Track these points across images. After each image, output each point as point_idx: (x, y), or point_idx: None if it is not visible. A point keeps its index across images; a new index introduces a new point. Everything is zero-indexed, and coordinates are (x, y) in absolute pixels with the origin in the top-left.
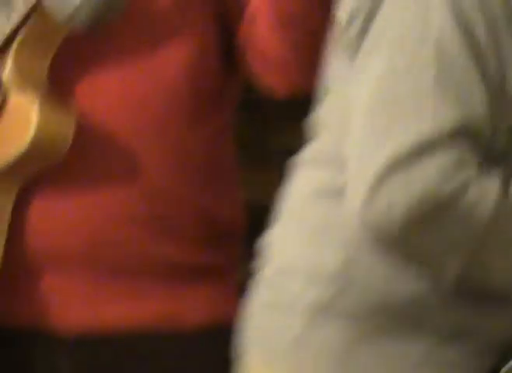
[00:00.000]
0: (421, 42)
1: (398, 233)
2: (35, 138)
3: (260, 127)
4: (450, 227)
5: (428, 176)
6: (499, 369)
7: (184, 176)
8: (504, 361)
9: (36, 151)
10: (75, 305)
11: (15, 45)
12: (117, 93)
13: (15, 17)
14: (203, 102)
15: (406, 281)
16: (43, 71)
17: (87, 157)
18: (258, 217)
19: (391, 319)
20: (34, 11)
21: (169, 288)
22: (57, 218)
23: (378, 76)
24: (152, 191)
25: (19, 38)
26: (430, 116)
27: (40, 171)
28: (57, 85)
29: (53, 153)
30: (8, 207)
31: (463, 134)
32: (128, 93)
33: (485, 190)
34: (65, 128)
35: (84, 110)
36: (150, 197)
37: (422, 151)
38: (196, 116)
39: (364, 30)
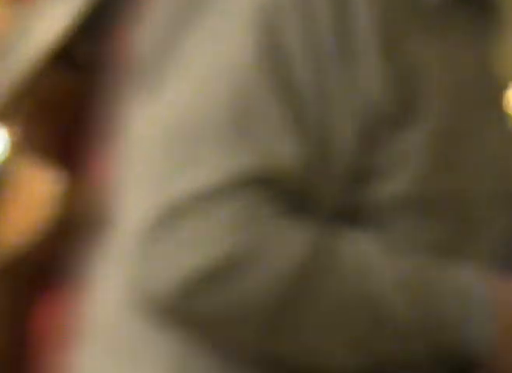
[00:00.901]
0: (219, 80)
1: (173, 299)
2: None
3: None
4: (238, 291)
5: (210, 229)
6: None
7: None
8: None
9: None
10: None
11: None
12: None
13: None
14: None
15: None
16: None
17: None
18: None
19: None
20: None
21: None
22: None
23: (168, 114)
24: None
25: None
26: (216, 162)
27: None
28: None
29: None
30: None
31: (258, 184)
32: None
33: (284, 247)
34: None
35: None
36: None
37: (202, 200)
38: None
39: (160, 65)
